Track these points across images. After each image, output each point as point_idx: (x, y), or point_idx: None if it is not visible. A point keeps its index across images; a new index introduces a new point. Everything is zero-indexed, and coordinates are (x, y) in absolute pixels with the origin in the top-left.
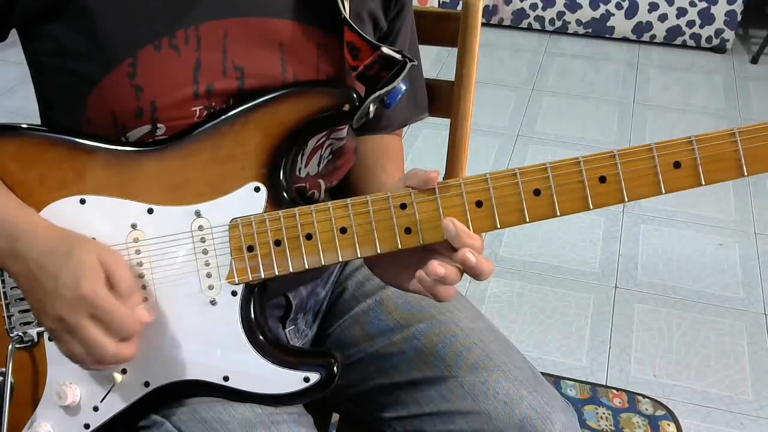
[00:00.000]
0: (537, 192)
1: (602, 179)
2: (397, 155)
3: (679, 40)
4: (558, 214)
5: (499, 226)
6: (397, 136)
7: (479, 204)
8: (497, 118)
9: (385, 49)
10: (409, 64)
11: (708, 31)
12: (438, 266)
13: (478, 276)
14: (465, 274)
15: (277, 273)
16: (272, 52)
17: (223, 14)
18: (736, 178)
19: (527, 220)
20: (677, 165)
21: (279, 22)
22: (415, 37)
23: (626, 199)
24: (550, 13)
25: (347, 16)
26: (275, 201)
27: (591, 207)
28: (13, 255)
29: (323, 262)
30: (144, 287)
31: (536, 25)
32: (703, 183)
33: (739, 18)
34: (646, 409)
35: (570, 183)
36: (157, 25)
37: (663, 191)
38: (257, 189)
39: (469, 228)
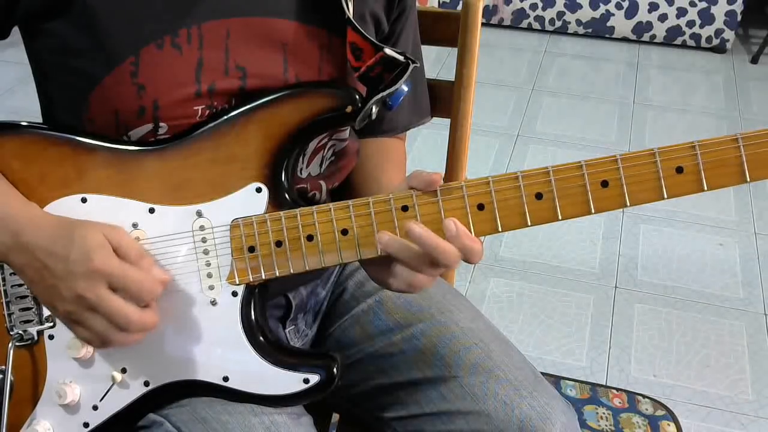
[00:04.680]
0: (539, 196)
1: (604, 183)
2: (399, 159)
3: (679, 40)
4: (560, 217)
5: (500, 229)
6: (400, 140)
7: (481, 207)
8: (497, 118)
9: (388, 50)
10: (411, 66)
11: (708, 31)
12: (385, 234)
13: (432, 252)
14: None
15: (277, 274)
16: (274, 52)
17: (226, 14)
18: (739, 183)
19: (529, 223)
20: (680, 170)
21: (282, 22)
22: (418, 41)
23: (628, 204)
24: (550, 13)
25: (351, 17)
26: (277, 202)
27: (593, 211)
28: (18, 249)
29: (324, 264)
30: None
31: (536, 25)
32: (705, 188)
33: (739, 18)
34: (646, 409)
35: (572, 187)
36: (159, 23)
37: (665, 196)
38: (259, 189)
39: (470, 231)
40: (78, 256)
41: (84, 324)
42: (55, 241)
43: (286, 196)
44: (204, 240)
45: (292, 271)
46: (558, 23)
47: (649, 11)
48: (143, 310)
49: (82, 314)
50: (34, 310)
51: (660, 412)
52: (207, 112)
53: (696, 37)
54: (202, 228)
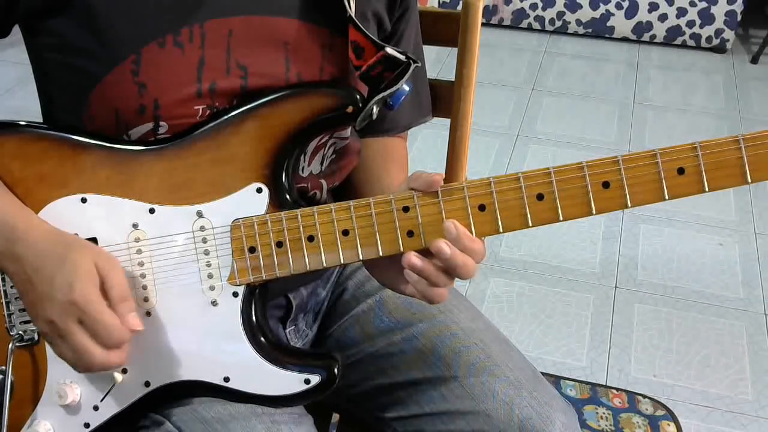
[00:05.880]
0: (540, 197)
1: (605, 185)
2: (401, 158)
3: (679, 40)
4: (561, 218)
5: (501, 230)
6: (402, 139)
7: (482, 208)
8: (497, 118)
9: (389, 50)
10: (413, 66)
11: (708, 31)
12: (413, 257)
13: (454, 270)
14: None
15: (278, 274)
16: (276, 51)
17: (228, 12)
18: (740, 185)
19: (530, 224)
20: (681, 171)
21: (284, 20)
22: (419, 40)
23: (629, 205)
24: (550, 13)
25: (352, 15)
26: (277, 202)
27: (594, 212)
28: (11, 257)
29: (325, 264)
30: (145, 287)
31: (536, 25)
32: (707, 189)
33: (739, 18)
34: (646, 409)
35: (573, 188)
36: (161, 22)
37: (666, 197)
38: (259, 190)
39: (471, 232)
40: (62, 282)
41: (55, 346)
42: (45, 258)
43: (287, 196)
44: (204, 240)
45: (292, 271)
46: (558, 23)
47: (649, 11)
48: (109, 351)
49: (53, 338)
50: None
51: (660, 412)
52: (207, 111)
53: (696, 37)
54: (202, 228)
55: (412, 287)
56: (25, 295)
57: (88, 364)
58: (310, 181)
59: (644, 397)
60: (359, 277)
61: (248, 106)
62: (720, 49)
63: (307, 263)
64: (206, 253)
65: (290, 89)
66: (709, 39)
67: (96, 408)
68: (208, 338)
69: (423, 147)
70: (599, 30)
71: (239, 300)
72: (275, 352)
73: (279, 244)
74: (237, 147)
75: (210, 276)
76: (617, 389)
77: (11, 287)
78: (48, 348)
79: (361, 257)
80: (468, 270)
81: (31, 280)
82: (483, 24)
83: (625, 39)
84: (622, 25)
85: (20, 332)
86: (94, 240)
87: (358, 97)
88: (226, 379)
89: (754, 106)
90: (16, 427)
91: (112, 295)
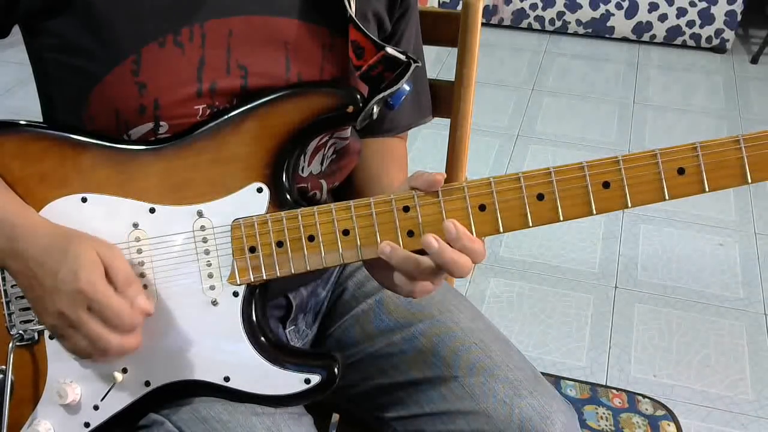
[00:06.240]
0: (540, 197)
1: (606, 185)
2: (400, 159)
3: (679, 40)
4: (561, 219)
5: (501, 230)
6: (402, 139)
7: (482, 208)
8: (497, 118)
9: (390, 50)
10: (413, 66)
11: (708, 31)
12: (385, 244)
13: (445, 266)
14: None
15: (278, 274)
16: (277, 51)
17: (229, 12)
18: (740, 185)
19: (530, 224)
20: (681, 171)
21: (284, 20)
22: (419, 40)
23: (629, 205)
24: (550, 13)
25: (353, 15)
26: (278, 202)
27: (594, 213)
28: (13, 254)
29: (325, 264)
30: (145, 286)
31: (536, 25)
32: (707, 190)
33: (739, 18)
34: (646, 409)
35: (574, 188)
36: (162, 22)
37: (666, 197)
38: (260, 190)
39: (471, 232)
40: (66, 273)
41: (67, 339)
42: (48, 252)
43: (287, 196)
44: (205, 240)
45: (293, 271)
46: (558, 23)
47: (649, 11)
48: (124, 335)
49: (65, 330)
50: None
51: (660, 412)
52: (208, 111)
53: (696, 37)
54: (202, 228)
55: (400, 287)
56: (30, 291)
57: (104, 351)
58: (310, 181)
59: (644, 397)
60: (359, 277)
61: (248, 106)
62: (720, 49)
63: (308, 263)
64: (206, 252)
65: (290, 89)
66: (709, 39)
67: (96, 407)
68: (208, 338)
69: (423, 147)
70: (599, 30)
71: (239, 300)
72: (275, 351)
73: (279, 244)
74: (237, 147)
75: (210, 276)
76: (617, 389)
77: (12, 286)
78: (48, 347)
79: (361, 257)
80: (461, 269)
81: (35, 276)
82: (483, 24)
83: (625, 39)
84: (622, 25)
85: (20, 332)
86: None
87: (358, 97)
88: (227, 379)
89: (754, 106)
90: (16, 426)
91: (118, 281)
